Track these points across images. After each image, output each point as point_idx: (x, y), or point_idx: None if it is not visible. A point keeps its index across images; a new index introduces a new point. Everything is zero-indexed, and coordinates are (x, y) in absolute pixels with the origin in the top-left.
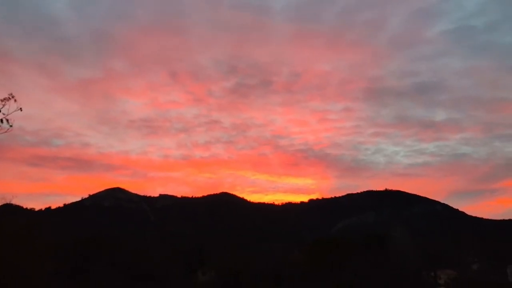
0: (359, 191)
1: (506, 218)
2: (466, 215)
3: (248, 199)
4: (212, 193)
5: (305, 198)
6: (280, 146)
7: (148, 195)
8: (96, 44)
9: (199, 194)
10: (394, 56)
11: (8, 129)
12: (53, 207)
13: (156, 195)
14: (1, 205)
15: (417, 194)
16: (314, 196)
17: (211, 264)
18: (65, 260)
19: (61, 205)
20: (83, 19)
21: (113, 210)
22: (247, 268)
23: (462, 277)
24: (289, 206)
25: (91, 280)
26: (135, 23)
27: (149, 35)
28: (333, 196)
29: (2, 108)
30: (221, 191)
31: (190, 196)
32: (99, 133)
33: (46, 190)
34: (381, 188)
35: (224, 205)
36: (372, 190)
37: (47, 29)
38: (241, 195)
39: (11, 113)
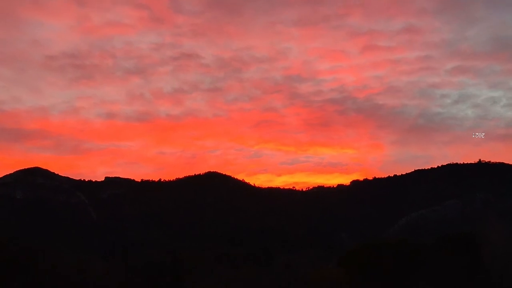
0: (432, 166)
1: None
2: None
3: (251, 183)
4: (190, 174)
5: (344, 180)
6: (299, 94)
7: (86, 179)
8: None
9: (169, 176)
10: None
11: None
12: None
13: (100, 179)
14: None
15: None
16: (357, 176)
17: (192, 284)
18: None
19: None
20: None
21: (29, 204)
22: None
23: None
24: (317, 192)
25: None
26: None
27: None
28: (389, 176)
29: None
30: (205, 170)
31: (155, 179)
32: None
33: None
34: (469, 160)
35: (211, 192)
36: (454, 164)
37: None
38: (238, 177)
39: None
